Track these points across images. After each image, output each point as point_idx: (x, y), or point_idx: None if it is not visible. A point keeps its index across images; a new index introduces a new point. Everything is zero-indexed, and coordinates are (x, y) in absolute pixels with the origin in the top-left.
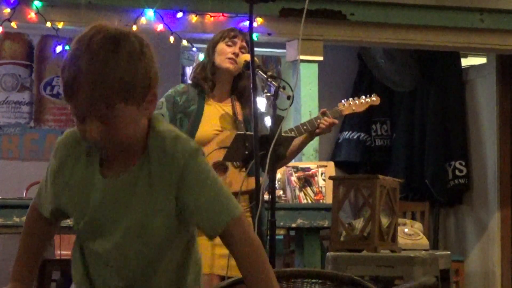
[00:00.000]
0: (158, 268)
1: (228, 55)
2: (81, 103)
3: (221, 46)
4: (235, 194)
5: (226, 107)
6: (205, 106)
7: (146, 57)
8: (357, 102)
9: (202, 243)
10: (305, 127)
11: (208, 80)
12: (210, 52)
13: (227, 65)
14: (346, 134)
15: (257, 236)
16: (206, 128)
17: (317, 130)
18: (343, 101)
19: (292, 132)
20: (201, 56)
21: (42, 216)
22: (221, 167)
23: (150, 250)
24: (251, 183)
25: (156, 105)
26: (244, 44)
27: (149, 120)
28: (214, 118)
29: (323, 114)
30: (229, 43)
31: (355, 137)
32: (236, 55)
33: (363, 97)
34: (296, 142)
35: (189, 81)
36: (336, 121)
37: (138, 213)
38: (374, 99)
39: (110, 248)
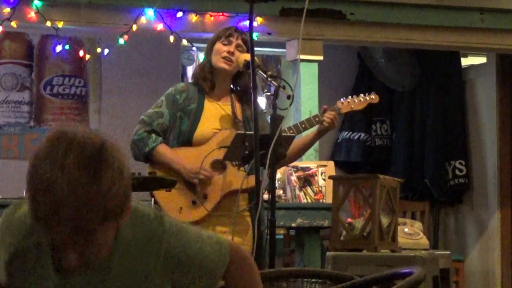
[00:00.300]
0: None
1: (223, 54)
2: (60, 235)
3: (218, 45)
4: (235, 192)
5: (226, 106)
6: (204, 105)
7: (124, 171)
8: (356, 100)
9: None
10: (303, 126)
11: (207, 80)
12: (208, 52)
13: (222, 64)
14: (346, 134)
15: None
16: (205, 126)
17: (322, 126)
18: (341, 99)
19: (291, 131)
20: (201, 56)
21: None
22: (219, 166)
23: None
24: (250, 181)
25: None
26: (240, 42)
27: None
28: (214, 117)
29: (324, 111)
30: (225, 42)
31: (355, 137)
32: (232, 53)
33: (362, 95)
34: (301, 141)
35: (190, 80)
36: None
37: None
38: (373, 97)
39: None
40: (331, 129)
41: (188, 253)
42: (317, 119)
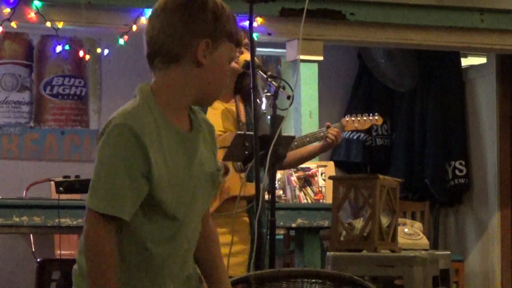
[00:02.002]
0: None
1: None
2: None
3: None
4: (234, 198)
5: (230, 108)
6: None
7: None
8: (360, 119)
9: None
10: (308, 139)
11: None
12: None
13: (233, 64)
14: (346, 134)
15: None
16: None
17: (325, 142)
18: (346, 116)
19: (295, 143)
20: None
21: (114, 229)
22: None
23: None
24: (249, 189)
25: None
26: (247, 41)
27: None
28: (218, 119)
29: (327, 127)
30: None
31: (354, 137)
32: (241, 53)
33: (366, 115)
34: (303, 151)
35: None
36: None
37: (205, 163)
38: (377, 118)
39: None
40: (334, 145)
41: None
42: (321, 134)
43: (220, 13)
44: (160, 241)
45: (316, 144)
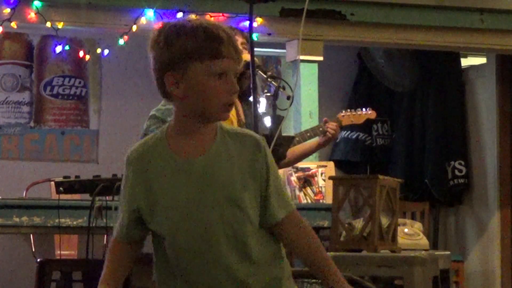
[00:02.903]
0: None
1: None
2: (230, 58)
3: None
4: None
5: None
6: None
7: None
8: (355, 114)
9: None
10: (308, 134)
11: None
12: None
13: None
14: (345, 134)
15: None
16: None
17: (325, 137)
18: (342, 112)
19: (297, 138)
20: None
21: (125, 245)
22: None
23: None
24: None
25: None
26: (243, 40)
27: None
28: None
29: (325, 122)
30: None
31: (353, 136)
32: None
33: (359, 109)
34: (303, 147)
35: None
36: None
37: (226, 186)
38: (370, 112)
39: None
40: (334, 140)
41: (275, 174)
42: (320, 129)
43: (171, 39)
44: (178, 261)
45: (314, 141)
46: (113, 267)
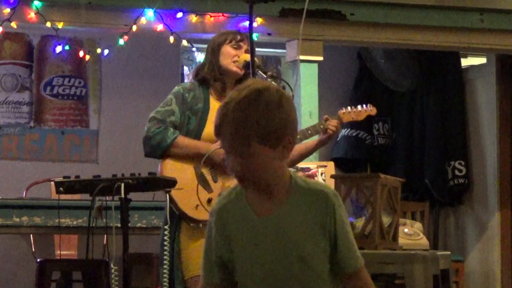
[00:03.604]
0: None
1: (234, 59)
2: (225, 140)
3: (227, 48)
4: None
5: None
6: (211, 105)
7: (283, 108)
8: (355, 110)
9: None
10: (309, 132)
11: (219, 80)
12: (216, 53)
13: (235, 68)
14: (345, 131)
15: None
16: (212, 127)
17: (326, 134)
18: (342, 109)
19: (298, 136)
20: (201, 56)
21: None
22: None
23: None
24: None
25: (291, 150)
26: (248, 47)
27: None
28: None
29: (326, 120)
30: (235, 46)
31: (353, 134)
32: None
33: (360, 106)
34: (304, 146)
35: (191, 80)
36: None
37: (298, 244)
38: (371, 109)
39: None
40: (334, 137)
41: (345, 229)
42: (321, 126)
43: (284, 105)
44: None
45: (314, 140)
46: None
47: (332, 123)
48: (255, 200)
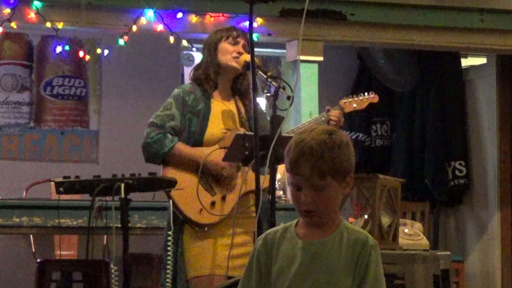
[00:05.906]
0: None
1: (233, 54)
2: (303, 176)
3: (225, 45)
4: (252, 192)
5: (231, 105)
6: (211, 105)
7: (350, 147)
8: (357, 99)
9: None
10: (311, 125)
11: (210, 80)
12: (212, 51)
13: (234, 64)
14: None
15: None
16: (214, 127)
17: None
18: (343, 98)
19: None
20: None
21: None
22: (234, 166)
23: None
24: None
25: (351, 186)
26: (245, 43)
27: None
28: (221, 117)
29: (328, 111)
30: (232, 42)
31: (352, 137)
32: (241, 54)
33: (362, 94)
34: None
35: (189, 81)
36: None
37: (330, 271)
38: (373, 96)
39: None
40: (338, 128)
41: (377, 272)
42: (323, 118)
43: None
44: None
45: None
46: None
47: (334, 113)
48: (305, 229)
